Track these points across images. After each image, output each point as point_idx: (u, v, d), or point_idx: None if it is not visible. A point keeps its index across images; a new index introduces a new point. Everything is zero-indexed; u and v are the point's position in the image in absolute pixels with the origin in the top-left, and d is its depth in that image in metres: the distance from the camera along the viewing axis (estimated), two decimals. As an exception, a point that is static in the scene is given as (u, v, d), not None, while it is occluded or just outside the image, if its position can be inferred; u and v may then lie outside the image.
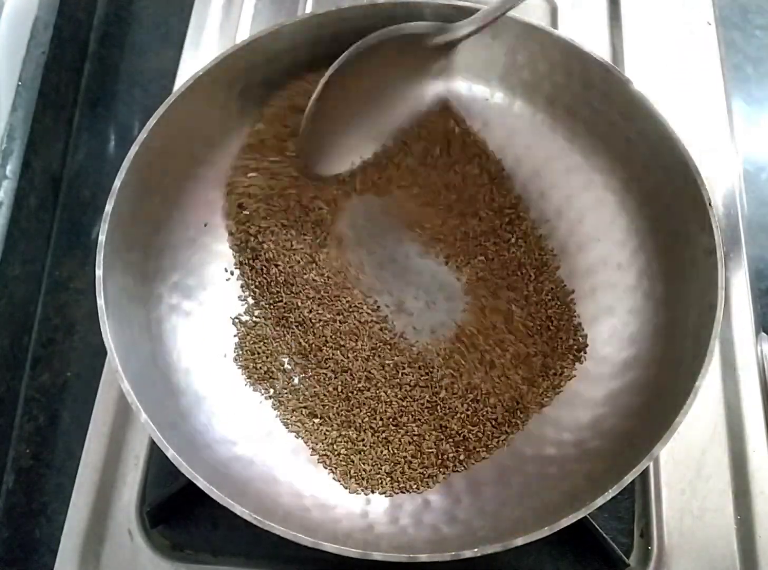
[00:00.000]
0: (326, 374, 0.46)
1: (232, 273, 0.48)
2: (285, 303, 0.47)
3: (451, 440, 0.44)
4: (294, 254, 0.48)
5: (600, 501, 0.35)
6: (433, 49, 0.46)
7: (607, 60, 0.45)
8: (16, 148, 0.52)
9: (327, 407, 0.45)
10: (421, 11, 0.47)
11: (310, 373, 0.46)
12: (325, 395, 0.45)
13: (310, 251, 0.49)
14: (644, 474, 0.44)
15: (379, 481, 0.43)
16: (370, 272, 0.49)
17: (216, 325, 0.47)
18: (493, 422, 0.44)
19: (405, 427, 0.44)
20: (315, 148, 0.48)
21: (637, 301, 0.46)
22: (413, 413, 0.45)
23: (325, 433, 0.44)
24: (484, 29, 0.44)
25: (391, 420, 0.45)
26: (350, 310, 0.47)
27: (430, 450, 0.44)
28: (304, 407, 0.45)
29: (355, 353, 0.46)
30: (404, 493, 0.42)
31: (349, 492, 0.42)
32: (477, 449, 0.44)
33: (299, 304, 0.47)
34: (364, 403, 0.45)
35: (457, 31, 0.45)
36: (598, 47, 0.57)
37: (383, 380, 0.46)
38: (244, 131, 0.49)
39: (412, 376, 0.46)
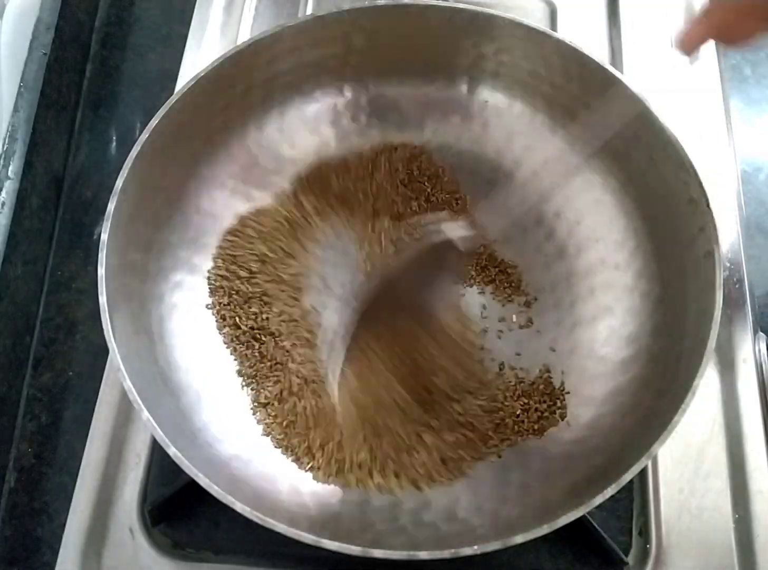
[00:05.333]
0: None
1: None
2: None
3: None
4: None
5: (599, 499, 0.35)
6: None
7: (606, 62, 0.45)
8: (18, 148, 0.52)
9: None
10: (422, 13, 0.47)
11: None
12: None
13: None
14: (643, 472, 0.44)
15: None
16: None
17: (216, 324, 0.47)
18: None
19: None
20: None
21: (635, 301, 0.46)
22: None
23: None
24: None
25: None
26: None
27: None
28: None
29: None
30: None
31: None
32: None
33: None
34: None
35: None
36: (597, 49, 0.57)
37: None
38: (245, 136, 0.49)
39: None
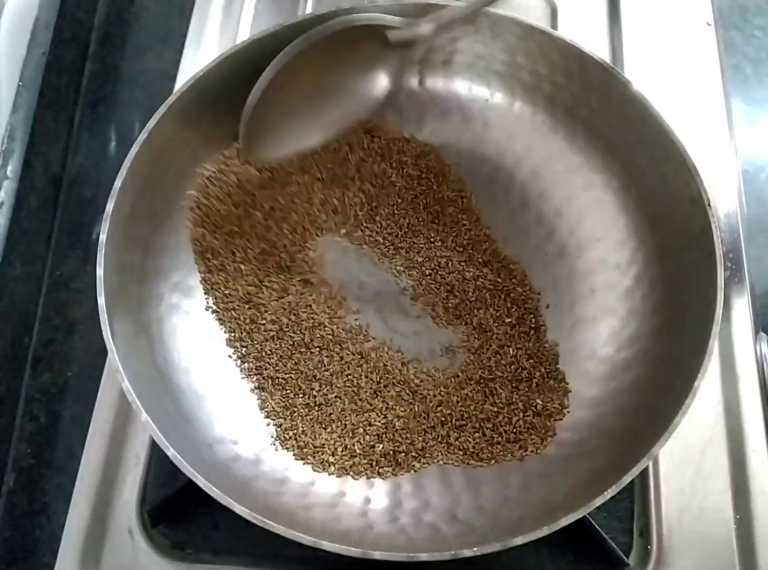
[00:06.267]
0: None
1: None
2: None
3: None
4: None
5: (599, 500, 0.35)
6: (392, 44, 0.44)
7: (607, 61, 0.45)
8: (17, 148, 0.52)
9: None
10: (422, 11, 0.47)
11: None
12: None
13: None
14: (644, 473, 0.44)
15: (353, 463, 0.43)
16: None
17: (216, 324, 0.47)
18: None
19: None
20: (258, 134, 0.45)
21: (636, 302, 0.46)
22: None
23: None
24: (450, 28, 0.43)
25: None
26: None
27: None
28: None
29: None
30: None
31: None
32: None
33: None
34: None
35: (419, 28, 0.44)
36: (598, 48, 0.56)
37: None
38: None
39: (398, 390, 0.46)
